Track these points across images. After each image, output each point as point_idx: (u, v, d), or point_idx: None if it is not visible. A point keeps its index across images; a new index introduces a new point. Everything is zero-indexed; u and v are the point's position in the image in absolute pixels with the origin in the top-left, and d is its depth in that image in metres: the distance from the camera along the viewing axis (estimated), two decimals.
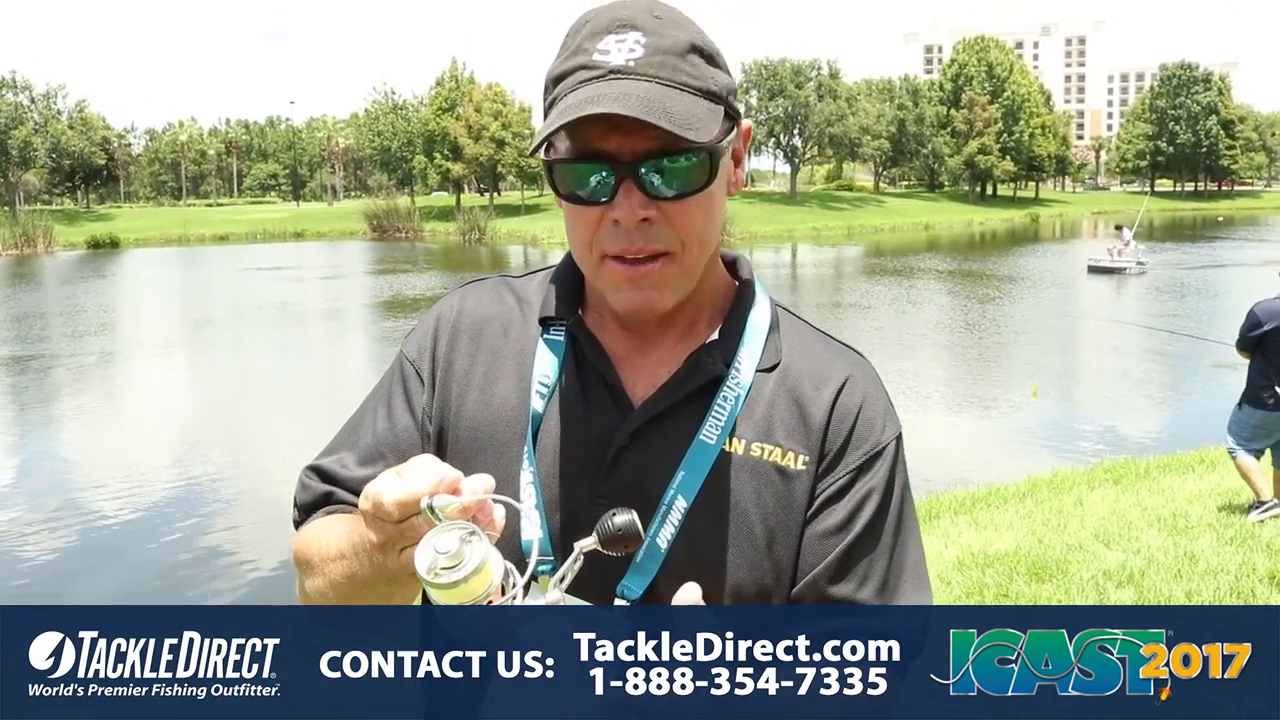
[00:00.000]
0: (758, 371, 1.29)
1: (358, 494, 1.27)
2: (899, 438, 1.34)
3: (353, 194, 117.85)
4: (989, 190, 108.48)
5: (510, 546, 1.18)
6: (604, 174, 1.17)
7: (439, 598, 0.92)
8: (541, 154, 1.22)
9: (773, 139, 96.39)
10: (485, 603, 0.92)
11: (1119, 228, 38.89)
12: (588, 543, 1.05)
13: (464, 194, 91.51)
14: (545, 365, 1.29)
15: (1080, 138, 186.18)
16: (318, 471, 1.36)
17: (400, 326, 24.85)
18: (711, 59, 1.22)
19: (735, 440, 1.25)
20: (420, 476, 1.00)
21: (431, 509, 0.93)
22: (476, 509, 0.99)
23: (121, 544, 9.69)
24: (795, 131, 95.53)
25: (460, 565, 0.89)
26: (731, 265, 1.39)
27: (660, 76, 1.15)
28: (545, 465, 1.25)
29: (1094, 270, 35.76)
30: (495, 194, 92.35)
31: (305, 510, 1.35)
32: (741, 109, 1.29)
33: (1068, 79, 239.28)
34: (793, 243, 65.21)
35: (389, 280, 38.91)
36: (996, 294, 31.31)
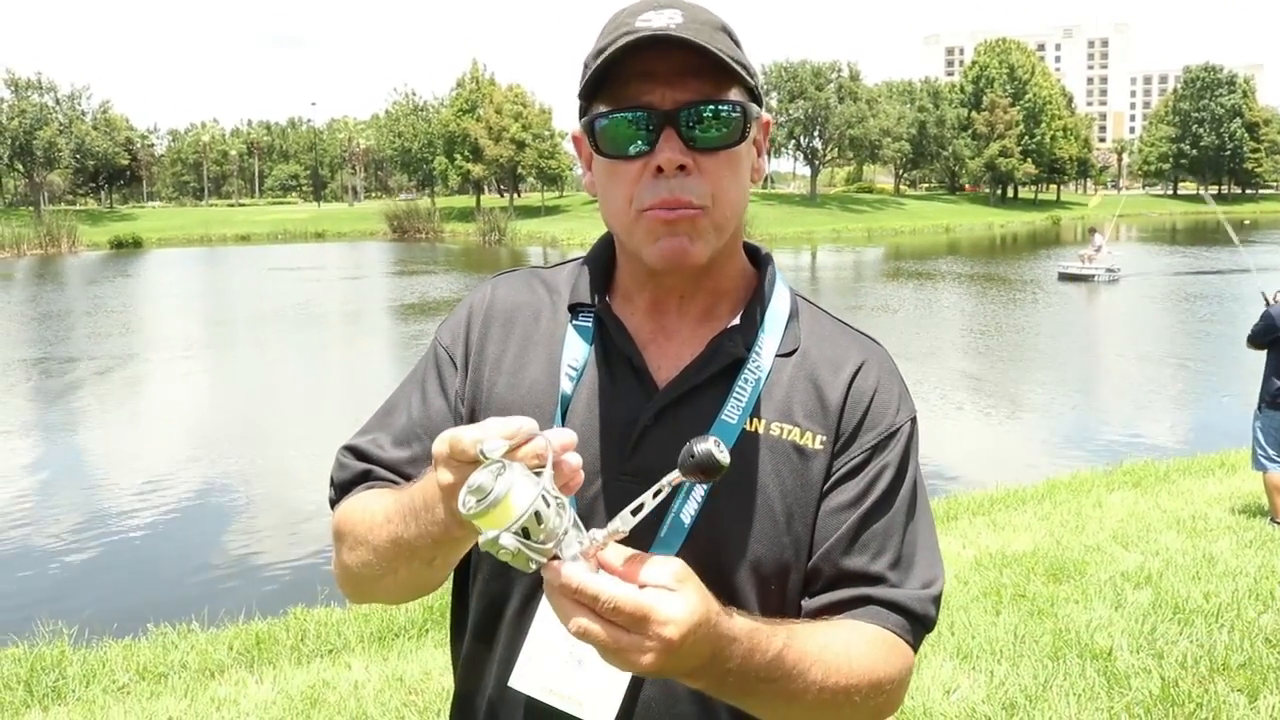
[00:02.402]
0: (777, 356, 1.33)
1: (395, 472, 1.35)
2: (913, 420, 1.37)
3: (373, 195, 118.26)
4: (1010, 193, 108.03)
5: None
6: (646, 120, 1.22)
7: (472, 527, 0.97)
8: (575, 129, 1.29)
9: (793, 141, 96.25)
10: (517, 531, 0.95)
11: (1092, 231, 37.64)
12: (674, 476, 1.04)
13: (484, 195, 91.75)
14: (574, 350, 1.34)
15: (1102, 140, 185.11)
16: (354, 451, 1.40)
17: (420, 329, 24.94)
18: (738, 42, 1.29)
19: (756, 420, 1.29)
20: (496, 423, 1.02)
21: (483, 452, 0.99)
22: (520, 446, 1.00)
23: (142, 545, 9.77)
24: (815, 133, 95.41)
25: (485, 497, 0.95)
26: (753, 255, 1.43)
27: (699, 39, 1.20)
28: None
29: (1064, 278, 34.51)
30: (515, 195, 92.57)
31: (343, 488, 1.38)
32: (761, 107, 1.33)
33: (1090, 81, 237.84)
34: (812, 245, 65.07)
35: (409, 281, 39.03)
36: (1016, 298, 31.15)
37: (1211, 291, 30.99)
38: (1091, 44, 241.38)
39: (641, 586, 1.00)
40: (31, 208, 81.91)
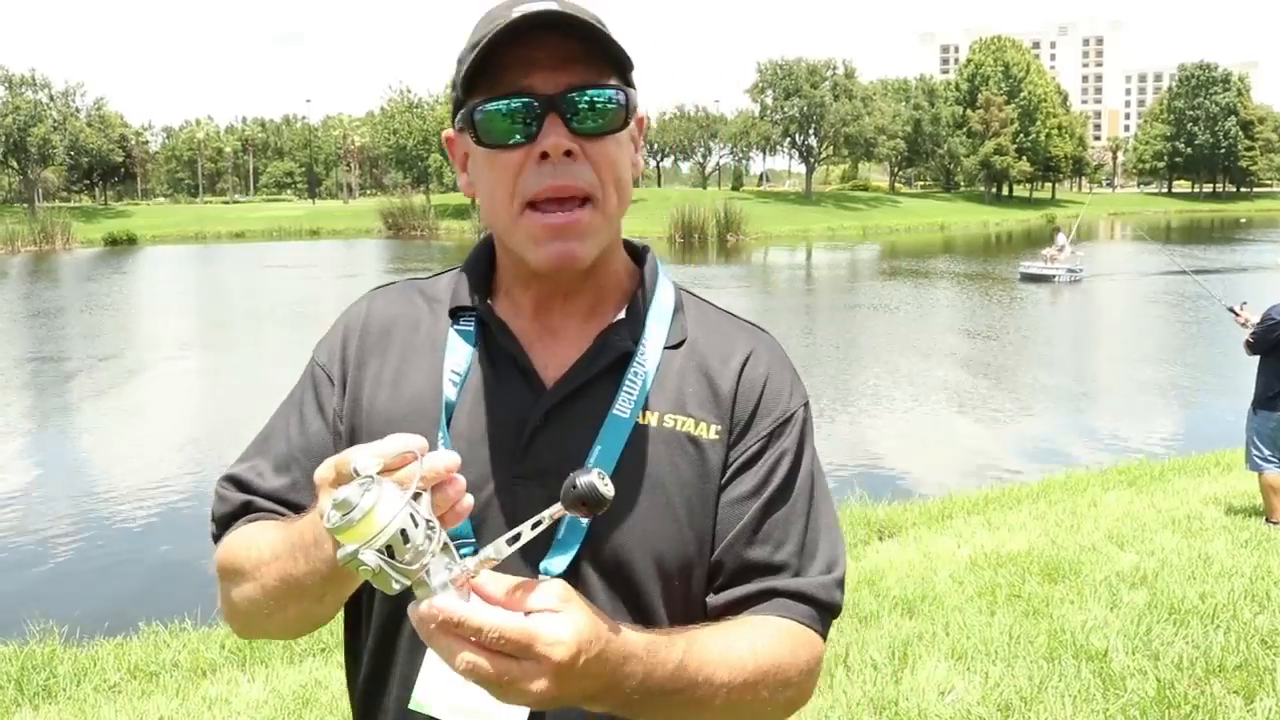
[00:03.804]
0: (666, 348, 1.32)
1: (277, 502, 1.30)
2: (806, 404, 1.36)
3: (368, 192, 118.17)
4: (1005, 191, 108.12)
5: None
6: (529, 107, 1.19)
7: (337, 540, 0.95)
8: (453, 124, 1.27)
9: (788, 139, 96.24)
10: (380, 548, 0.93)
11: (1055, 231, 37.26)
12: (556, 509, 1.02)
13: None
14: (457, 354, 1.31)
15: (1098, 138, 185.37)
16: (234, 481, 1.35)
17: None
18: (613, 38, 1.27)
19: (649, 413, 1.27)
20: (384, 444, 0.99)
21: (356, 471, 0.96)
22: (396, 465, 0.98)
23: (134, 544, 9.74)
24: (810, 131, 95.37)
25: (349, 511, 0.93)
26: (636, 252, 1.42)
27: (579, 20, 1.18)
28: (461, 450, 1.22)
29: (1026, 278, 34.02)
30: None
31: (224, 521, 1.33)
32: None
33: (1085, 79, 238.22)
34: (808, 243, 65.10)
35: (405, 279, 38.95)
36: (1011, 296, 31.16)
37: (1180, 291, 31.00)
38: (1086, 42, 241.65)
39: (526, 614, 0.97)
40: (26, 205, 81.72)
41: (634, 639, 1.07)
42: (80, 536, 9.75)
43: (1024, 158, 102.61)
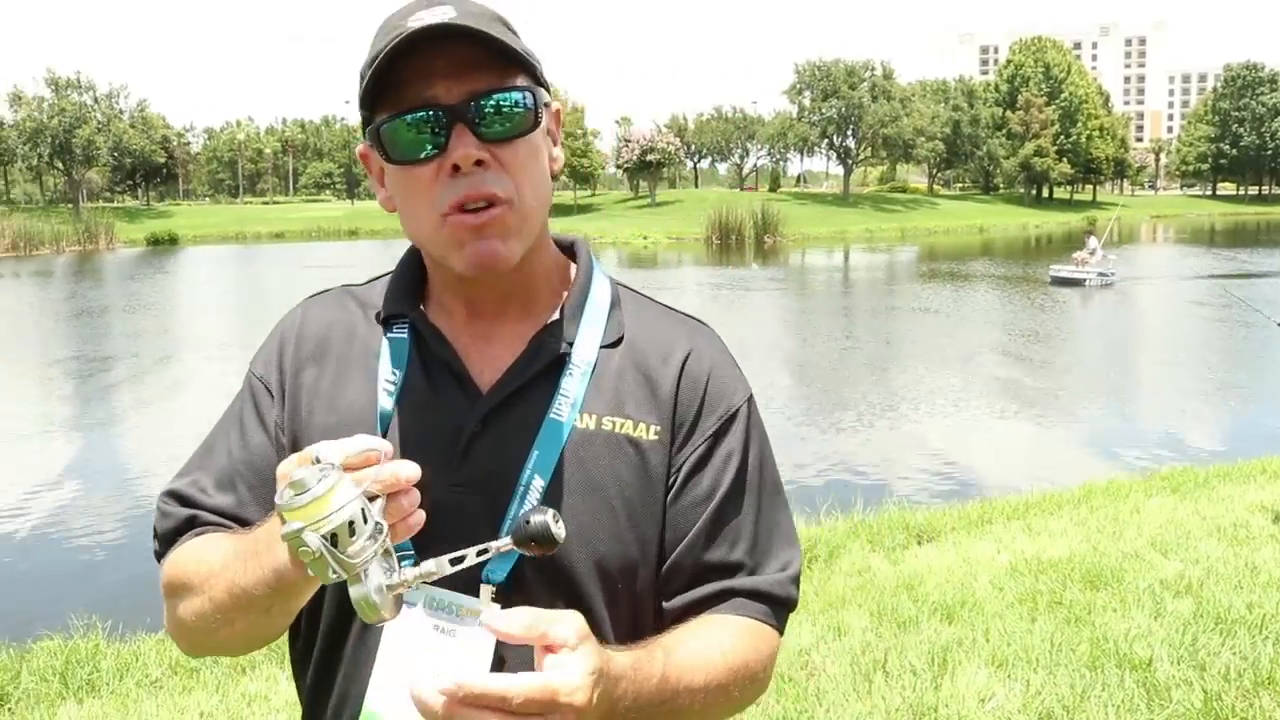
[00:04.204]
0: (602, 348, 1.30)
1: (222, 516, 1.30)
2: (750, 399, 1.35)
3: None
4: (1045, 193, 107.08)
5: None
6: (434, 119, 1.17)
7: (284, 518, 0.96)
8: (363, 137, 1.26)
9: (826, 140, 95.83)
10: (325, 534, 0.94)
11: (1088, 233, 36.68)
12: (504, 542, 1.03)
13: None
14: (390, 363, 1.30)
15: (1139, 140, 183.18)
16: (176, 496, 1.34)
17: None
18: (517, 35, 1.25)
19: (586, 416, 1.26)
20: (350, 441, 1.01)
21: (318, 459, 0.98)
22: (358, 464, 0.99)
23: None
24: (848, 133, 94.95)
25: (304, 492, 0.94)
26: (568, 249, 1.40)
27: (477, 28, 1.16)
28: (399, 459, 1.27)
29: (1056, 281, 33.46)
30: None
31: (168, 538, 1.31)
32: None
33: (1127, 80, 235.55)
34: (845, 244, 64.75)
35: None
36: (1042, 300, 30.80)
37: (1219, 296, 30.51)
38: (1129, 42, 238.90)
39: (547, 647, 0.99)
40: (70, 205, 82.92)
41: (621, 660, 1.08)
42: (122, 533, 9.86)
43: (1064, 159, 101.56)
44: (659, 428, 1.28)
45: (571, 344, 1.29)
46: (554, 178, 1.31)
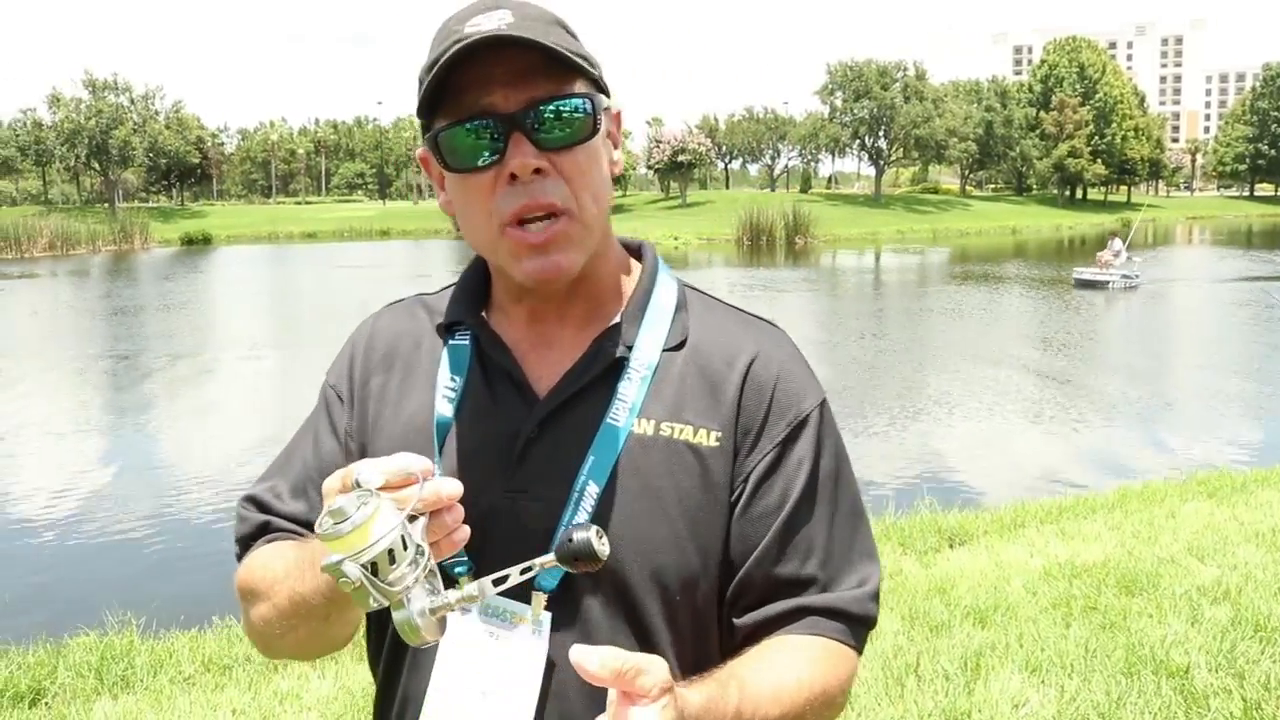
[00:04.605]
0: (664, 351, 1.28)
1: (294, 522, 1.33)
2: (823, 404, 1.31)
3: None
4: (1079, 194, 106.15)
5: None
6: (492, 127, 1.16)
7: (325, 548, 0.95)
8: (422, 142, 1.25)
9: (857, 141, 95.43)
10: (365, 564, 0.93)
11: (1112, 235, 35.95)
12: (547, 559, 1.02)
13: None
14: (449, 370, 1.31)
15: (1175, 140, 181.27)
16: (254, 502, 1.38)
17: None
18: (576, 38, 1.24)
19: (644, 421, 1.24)
20: (390, 460, 1.00)
21: (358, 482, 0.97)
22: (399, 483, 0.98)
23: (209, 538, 9.90)
24: (880, 133, 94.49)
25: (343, 521, 0.93)
26: (635, 251, 1.38)
27: (533, 35, 1.15)
28: (456, 466, 1.25)
29: (1080, 284, 32.80)
30: None
31: (245, 542, 1.36)
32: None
33: (1163, 80, 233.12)
34: (876, 246, 64.42)
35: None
36: (1066, 302, 30.48)
37: (1252, 299, 29.99)
38: (1165, 42, 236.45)
39: (625, 693, 0.97)
40: (106, 205, 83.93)
41: (695, 701, 1.06)
42: (155, 530, 9.95)
43: (1099, 160, 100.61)
44: (720, 434, 1.25)
45: (631, 347, 1.26)
46: (615, 181, 1.30)
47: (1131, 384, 17.80)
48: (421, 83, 1.20)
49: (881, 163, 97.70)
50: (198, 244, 68.30)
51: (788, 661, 1.19)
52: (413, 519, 0.97)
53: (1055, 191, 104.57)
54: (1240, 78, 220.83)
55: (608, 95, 1.25)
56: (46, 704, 4.79)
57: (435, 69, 1.16)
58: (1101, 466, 12.09)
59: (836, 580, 1.26)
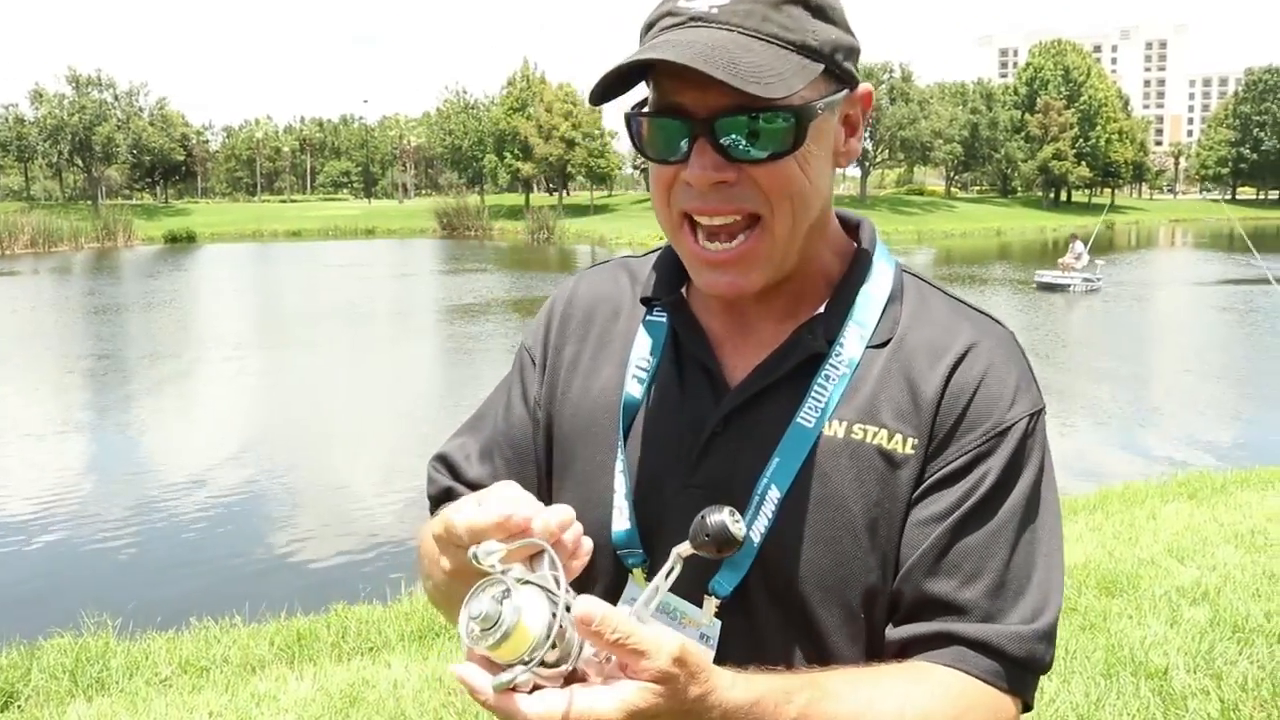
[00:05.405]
0: (868, 347, 1.17)
1: (477, 488, 1.21)
2: (1034, 415, 1.17)
3: (423, 192, 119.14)
4: (1063, 196, 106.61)
5: (601, 540, 1.12)
6: (678, 129, 1.09)
7: (489, 658, 0.87)
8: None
9: None
10: (534, 658, 0.84)
11: (1074, 238, 35.96)
12: (684, 549, 0.95)
13: (533, 193, 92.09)
14: (644, 349, 1.24)
15: (1159, 144, 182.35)
16: (443, 461, 1.34)
17: (471, 329, 25.03)
18: (820, 11, 1.11)
19: (836, 423, 1.14)
20: (492, 508, 0.92)
21: (475, 558, 0.88)
22: (522, 555, 0.90)
23: (187, 540, 9.85)
24: (866, 135, 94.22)
25: (493, 629, 0.83)
26: (853, 230, 1.28)
27: (744, 26, 1.05)
28: (637, 453, 1.19)
29: (1042, 287, 32.84)
30: (564, 194, 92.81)
31: (432, 505, 1.33)
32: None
33: (1147, 83, 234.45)
34: None
35: (459, 280, 39.17)
36: (1048, 303, 30.60)
37: (1223, 302, 30.16)
38: (1149, 45, 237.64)
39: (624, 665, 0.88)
40: (89, 202, 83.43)
41: (735, 694, 0.93)
42: (134, 531, 9.89)
43: (1083, 163, 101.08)
44: (915, 440, 1.13)
45: (832, 342, 1.16)
46: (841, 167, 1.20)
47: (1097, 386, 17.88)
48: (641, 39, 1.13)
49: (867, 164, 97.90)
50: (181, 242, 67.99)
51: (904, 689, 1.05)
52: (534, 556, 0.89)
53: (1040, 194, 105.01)
54: (1223, 82, 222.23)
55: (850, 82, 1.15)
56: (19, 707, 4.74)
57: (634, 56, 1.07)
58: (1081, 469, 12.14)
59: (1002, 612, 1.10)
